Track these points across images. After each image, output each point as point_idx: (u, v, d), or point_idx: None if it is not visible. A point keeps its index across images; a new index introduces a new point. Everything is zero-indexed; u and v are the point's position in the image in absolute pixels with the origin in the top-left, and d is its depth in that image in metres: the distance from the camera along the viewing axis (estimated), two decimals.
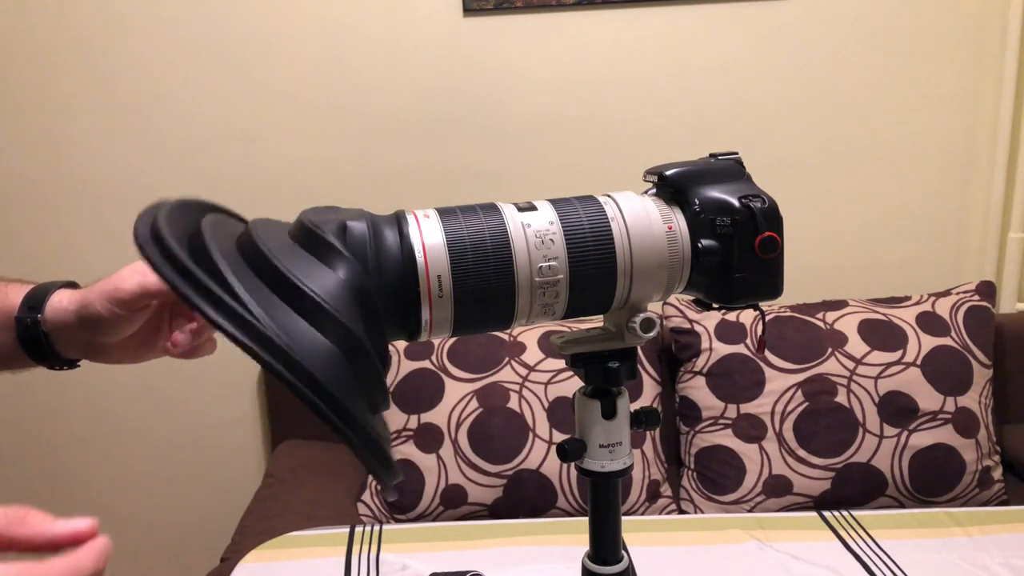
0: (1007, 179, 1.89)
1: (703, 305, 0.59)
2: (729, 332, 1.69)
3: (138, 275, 0.64)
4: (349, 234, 0.49)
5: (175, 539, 2.02)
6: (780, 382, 1.63)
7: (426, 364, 1.68)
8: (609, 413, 0.60)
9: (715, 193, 0.56)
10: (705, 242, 0.55)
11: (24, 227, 1.88)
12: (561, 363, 1.64)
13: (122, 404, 1.96)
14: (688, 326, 1.72)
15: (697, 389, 1.69)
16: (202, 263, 0.44)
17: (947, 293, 1.77)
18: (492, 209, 0.54)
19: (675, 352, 1.75)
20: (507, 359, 1.66)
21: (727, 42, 1.83)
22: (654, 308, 0.64)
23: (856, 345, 1.65)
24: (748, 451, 1.62)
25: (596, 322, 0.61)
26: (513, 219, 0.53)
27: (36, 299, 0.68)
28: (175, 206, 0.49)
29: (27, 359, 0.69)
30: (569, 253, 0.53)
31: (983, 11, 1.83)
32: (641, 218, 0.55)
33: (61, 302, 0.68)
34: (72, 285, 0.71)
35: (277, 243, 0.49)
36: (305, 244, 0.49)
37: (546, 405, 1.62)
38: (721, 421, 1.65)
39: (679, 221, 0.56)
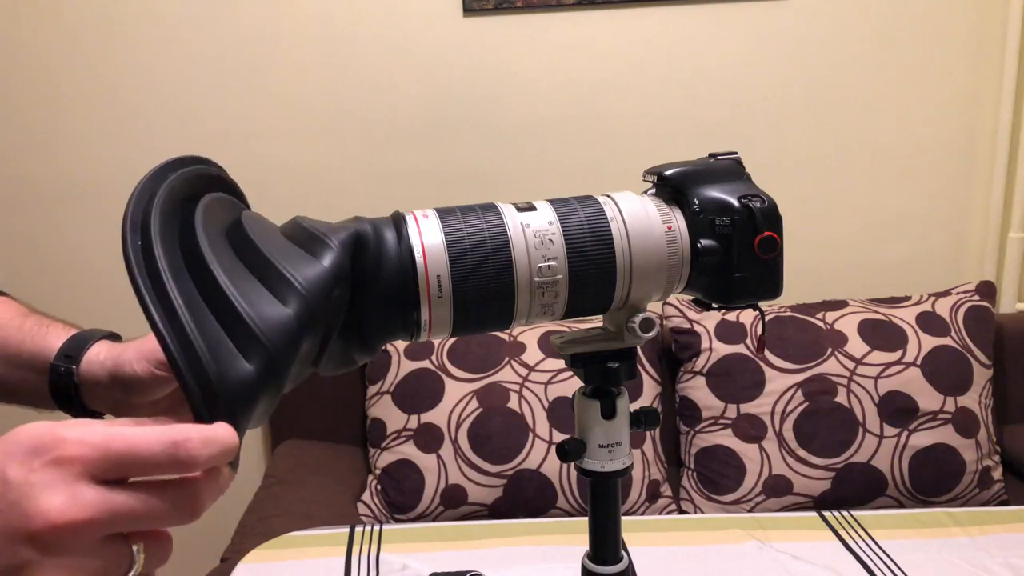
0: (1007, 179, 1.89)
1: (703, 305, 0.59)
2: (729, 332, 1.69)
3: None
4: (358, 245, 0.50)
5: (175, 539, 2.02)
6: (780, 382, 1.63)
7: (426, 364, 1.68)
8: (609, 413, 0.60)
9: (714, 193, 0.56)
10: (705, 242, 0.55)
11: (24, 227, 1.88)
12: (561, 363, 1.64)
13: None
14: (688, 326, 1.72)
15: (697, 389, 1.69)
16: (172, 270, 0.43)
17: (947, 293, 1.77)
18: (491, 209, 0.54)
19: (675, 352, 1.75)
20: (507, 359, 1.66)
21: (727, 42, 1.83)
22: (654, 308, 0.64)
23: (856, 345, 1.65)
24: (748, 451, 1.62)
25: (596, 322, 0.61)
26: (512, 219, 0.53)
27: (75, 348, 0.65)
28: (176, 186, 0.48)
29: (53, 404, 0.66)
30: (568, 253, 0.53)
31: (983, 11, 1.83)
32: (640, 218, 0.55)
33: (98, 356, 0.65)
34: (114, 337, 0.68)
35: (267, 235, 0.49)
36: (297, 239, 0.50)
37: (546, 405, 1.62)
38: (721, 421, 1.65)
39: (678, 221, 0.56)
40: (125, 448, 0.38)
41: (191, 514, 0.39)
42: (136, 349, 0.62)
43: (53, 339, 0.66)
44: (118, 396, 0.64)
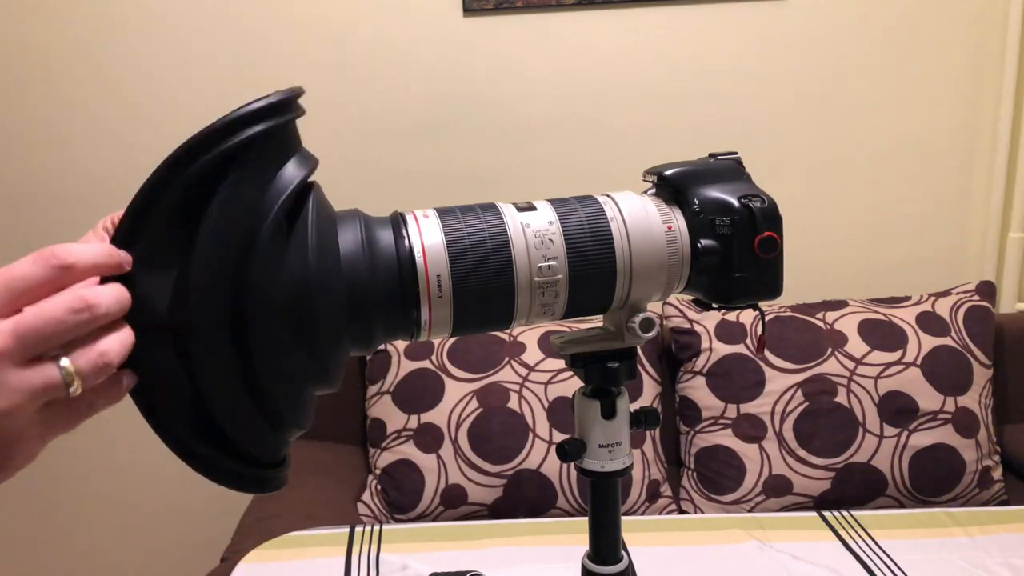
0: (1007, 179, 1.89)
1: (703, 305, 0.59)
2: (729, 332, 1.69)
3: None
4: (343, 248, 0.50)
5: (175, 539, 2.02)
6: (780, 382, 1.63)
7: (426, 364, 1.67)
8: (609, 413, 0.60)
9: (715, 193, 0.56)
10: (705, 242, 0.55)
11: (24, 227, 1.88)
12: (561, 363, 1.64)
13: (122, 403, 1.95)
14: (688, 326, 1.72)
15: (697, 389, 1.69)
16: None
17: (947, 293, 1.77)
18: (491, 209, 0.54)
19: (675, 352, 1.75)
20: (507, 359, 1.66)
21: (727, 42, 1.83)
22: (654, 308, 0.64)
23: (856, 345, 1.65)
24: (748, 451, 1.62)
25: (596, 322, 0.61)
26: (512, 219, 0.53)
27: None
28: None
29: None
30: (568, 253, 0.53)
31: (983, 11, 1.83)
32: (640, 218, 0.55)
33: None
34: None
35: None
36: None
37: (546, 405, 1.62)
38: (721, 421, 1.65)
39: (679, 221, 0.56)
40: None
41: (89, 309, 0.41)
42: None
43: None
44: None
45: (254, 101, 0.46)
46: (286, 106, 0.48)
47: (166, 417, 0.47)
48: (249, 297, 0.45)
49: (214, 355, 0.46)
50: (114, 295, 0.43)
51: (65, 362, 0.41)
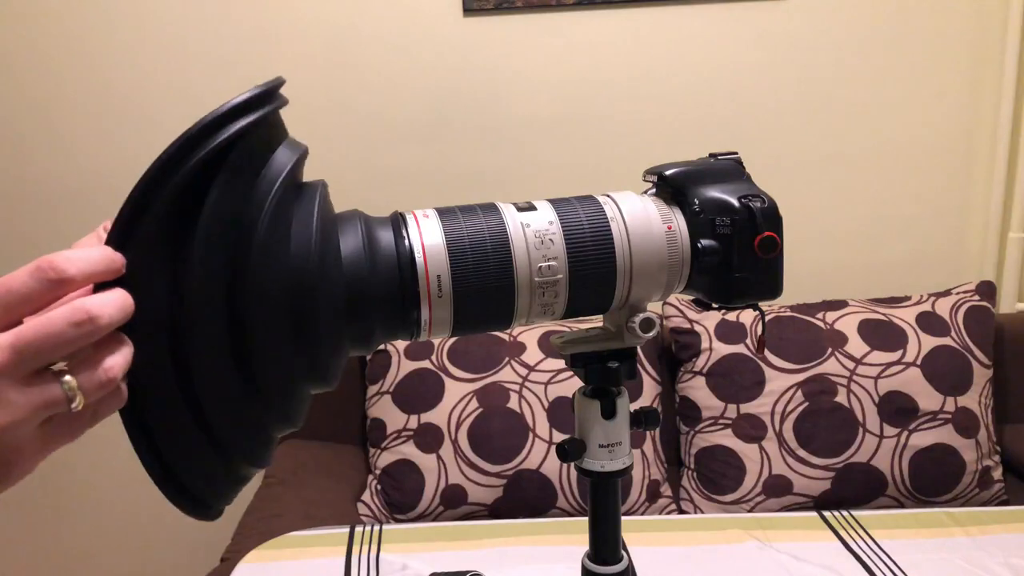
0: (1007, 179, 1.89)
1: (703, 305, 0.59)
2: (729, 332, 1.69)
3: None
4: (344, 247, 0.49)
5: (175, 539, 2.02)
6: (780, 382, 1.63)
7: (426, 364, 1.67)
8: (609, 413, 0.60)
9: (715, 193, 0.56)
10: (705, 242, 0.55)
11: (24, 227, 1.88)
12: (561, 363, 1.64)
13: None
14: (688, 326, 1.72)
15: (697, 389, 1.69)
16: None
17: (947, 293, 1.77)
18: (491, 209, 0.54)
19: (675, 352, 1.75)
20: (507, 359, 1.66)
21: (727, 42, 1.83)
22: (654, 308, 0.64)
23: (856, 345, 1.65)
24: (748, 451, 1.62)
25: (596, 322, 0.61)
26: (512, 219, 0.53)
27: None
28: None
29: None
30: (568, 253, 0.53)
31: (983, 11, 1.83)
32: (641, 218, 0.55)
33: None
34: None
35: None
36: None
37: (546, 405, 1.62)
38: (721, 421, 1.65)
39: (679, 221, 0.56)
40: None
41: (91, 321, 0.40)
42: None
43: None
44: None
45: (238, 96, 0.46)
46: (269, 96, 0.48)
47: (151, 423, 0.47)
48: (246, 292, 0.45)
49: (211, 354, 0.45)
50: (117, 303, 0.42)
51: (67, 378, 0.40)
